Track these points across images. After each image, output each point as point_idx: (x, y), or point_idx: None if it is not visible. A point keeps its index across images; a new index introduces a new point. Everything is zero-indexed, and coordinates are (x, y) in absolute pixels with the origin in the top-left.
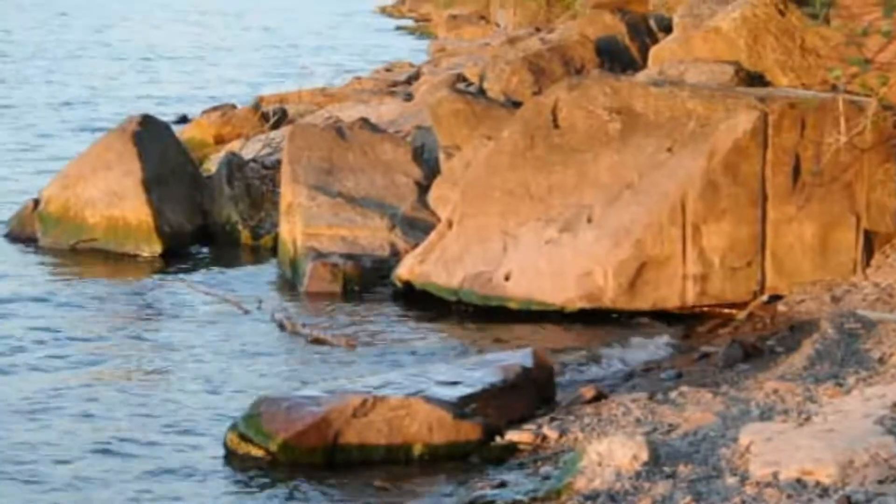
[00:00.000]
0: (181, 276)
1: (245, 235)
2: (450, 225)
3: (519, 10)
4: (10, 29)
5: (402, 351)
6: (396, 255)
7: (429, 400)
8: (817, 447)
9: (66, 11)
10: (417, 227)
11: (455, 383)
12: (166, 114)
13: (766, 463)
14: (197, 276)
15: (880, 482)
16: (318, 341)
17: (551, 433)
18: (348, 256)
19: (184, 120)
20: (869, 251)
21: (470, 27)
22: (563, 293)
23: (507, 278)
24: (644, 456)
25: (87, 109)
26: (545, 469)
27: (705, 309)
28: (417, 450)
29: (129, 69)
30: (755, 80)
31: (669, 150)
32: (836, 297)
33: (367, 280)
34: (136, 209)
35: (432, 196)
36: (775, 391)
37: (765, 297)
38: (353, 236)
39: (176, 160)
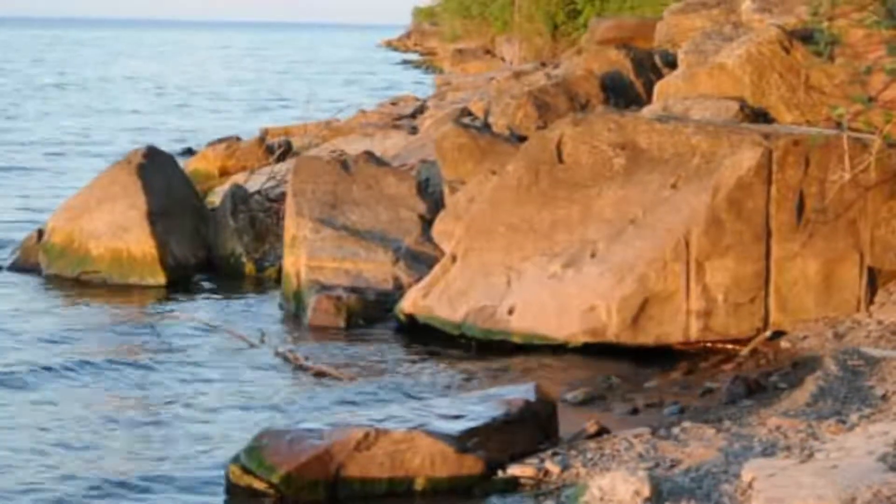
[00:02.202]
0: (185, 308)
1: (249, 268)
2: (454, 259)
3: (524, 45)
4: (14, 61)
5: (404, 384)
6: (400, 289)
7: (431, 433)
8: (820, 484)
9: (73, 45)
10: (421, 260)
11: (458, 417)
12: (171, 146)
13: (769, 499)
14: (200, 308)
15: None
16: (320, 374)
17: (553, 468)
18: (352, 289)
19: (189, 152)
20: (873, 288)
21: (475, 61)
22: (566, 328)
23: (510, 313)
24: (646, 491)
25: (92, 141)
26: None
27: (708, 345)
28: (419, 483)
29: (134, 102)
30: (759, 116)
31: (674, 185)
32: (840, 333)
33: (370, 313)
34: (140, 241)
35: (436, 230)
36: (778, 427)
37: (768, 334)
38: (357, 269)
39: (181, 193)
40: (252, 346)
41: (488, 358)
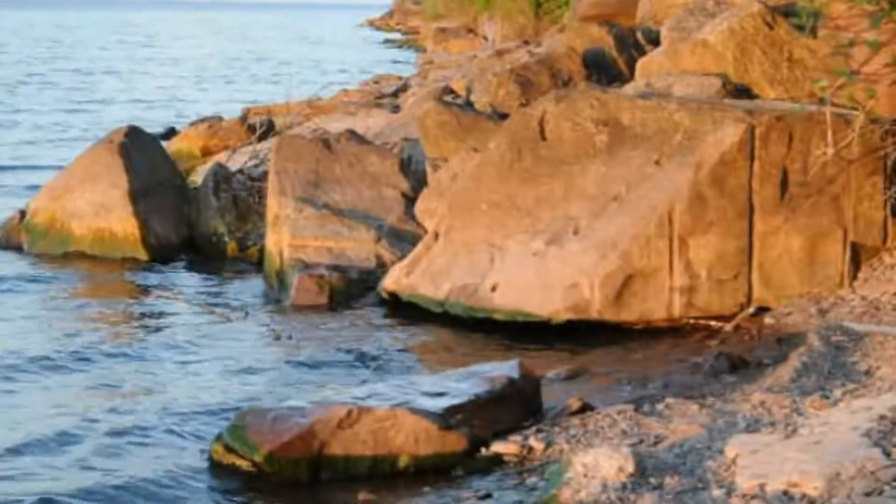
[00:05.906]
0: (167, 287)
1: (231, 247)
2: (436, 237)
3: (506, 23)
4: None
5: (387, 362)
6: (383, 267)
7: (414, 411)
8: (804, 459)
9: (58, 27)
10: (404, 238)
11: (441, 394)
12: (154, 126)
13: (753, 475)
14: (183, 287)
15: (867, 495)
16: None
17: (537, 444)
18: (335, 268)
19: (171, 132)
20: (856, 264)
21: (458, 40)
22: (549, 305)
23: (493, 290)
24: (630, 468)
25: (74, 121)
26: (531, 480)
27: (692, 321)
28: (403, 461)
29: (117, 82)
30: (742, 92)
31: (657, 162)
32: (824, 309)
33: (353, 292)
34: (122, 221)
35: (419, 208)
36: (762, 403)
37: (752, 310)
38: (340, 248)
39: (163, 172)
40: (233, 324)
41: (472, 335)
